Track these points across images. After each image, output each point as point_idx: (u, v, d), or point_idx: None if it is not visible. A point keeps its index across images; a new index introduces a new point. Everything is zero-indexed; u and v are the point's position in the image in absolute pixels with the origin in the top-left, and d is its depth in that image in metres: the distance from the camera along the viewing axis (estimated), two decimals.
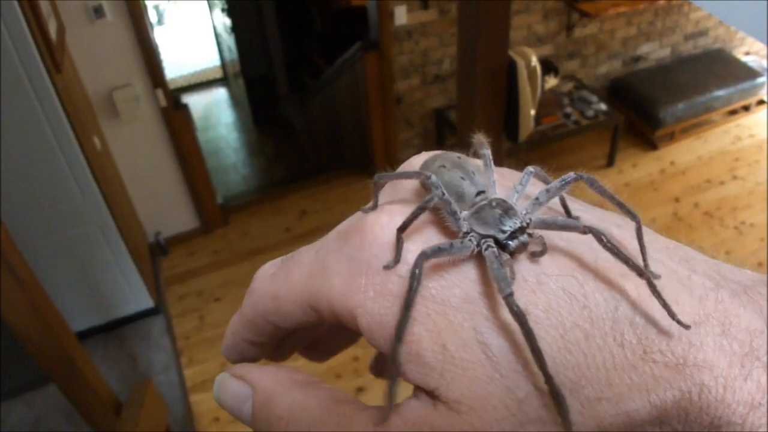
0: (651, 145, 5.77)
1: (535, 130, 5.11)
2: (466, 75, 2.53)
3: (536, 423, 0.30)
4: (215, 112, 7.65)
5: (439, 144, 5.57)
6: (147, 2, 5.25)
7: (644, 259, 0.34)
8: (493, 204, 0.34)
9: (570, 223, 0.34)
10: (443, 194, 0.33)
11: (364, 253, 0.34)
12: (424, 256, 0.30)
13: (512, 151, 4.60)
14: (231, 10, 6.94)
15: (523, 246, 0.32)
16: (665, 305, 0.31)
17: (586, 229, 0.33)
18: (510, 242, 0.32)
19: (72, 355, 2.45)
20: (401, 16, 4.76)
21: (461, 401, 0.30)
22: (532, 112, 3.38)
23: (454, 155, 0.38)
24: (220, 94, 8.03)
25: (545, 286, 0.32)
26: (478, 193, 0.35)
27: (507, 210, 0.34)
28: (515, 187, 0.38)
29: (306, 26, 7.07)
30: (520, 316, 0.29)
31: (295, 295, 0.36)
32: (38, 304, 2.26)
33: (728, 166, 5.61)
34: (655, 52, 6.12)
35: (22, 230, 3.33)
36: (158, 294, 4.53)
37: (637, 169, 5.58)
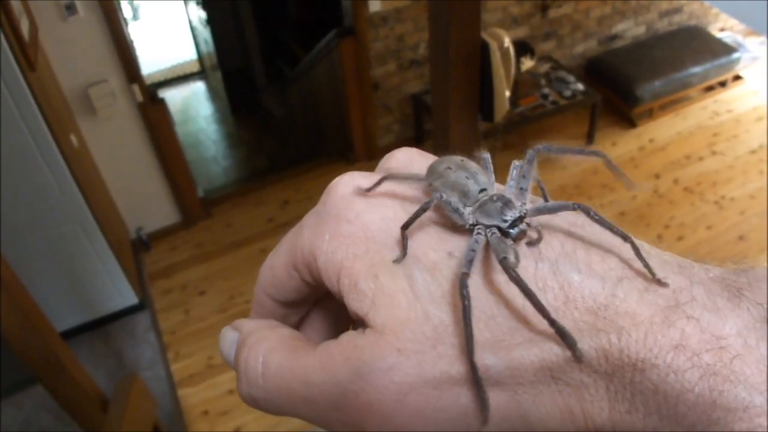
0: (630, 122, 5.79)
1: (514, 111, 5.13)
2: (440, 58, 2.53)
3: (447, 346, 0.33)
4: (194, 105, 7.62)
5: (417, 129, 5.58)
6: None
7: (651, 272, 0.35)
8: (494, 198, 0.38)
9: (561, 205, 0.38)
10: (442, 197, 0.37)
11: (327, 206, 0.39)
12: (465, 276, 0.33)
13: (490, 133, 4.60)
14: (206, 2, 6.91)
15: (523, 233, 0.37)
16: (646, 265, 0.34)
17: (575, 206, 0.37)
18: (512, 230, 0.37)
19: (57, 354, 2.45)
20: (375, 2, 4.75)
21: (385, 324, 0.34)
22: (507, 92, 3.39)
23: (457, 158, 0.41)
24: (198, 87, 8.00)
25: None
26: (481, 191, 0.39)
27: (506, 203, 0.38)
28: (508, 182, 0.42)
29: (282, 14, 7.05)
30: (517, 279, 0.33)
31: (281, 258, 0.41)
32: (21, 304, 2.25)
33: (707, 142, 5.64)
34: (630, 30, 6.13)
35: (1, 231, 3.32)
36: (142, 289, 4.52)
37: (617, 147, 5.60)
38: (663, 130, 5.76)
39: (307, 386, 0.36)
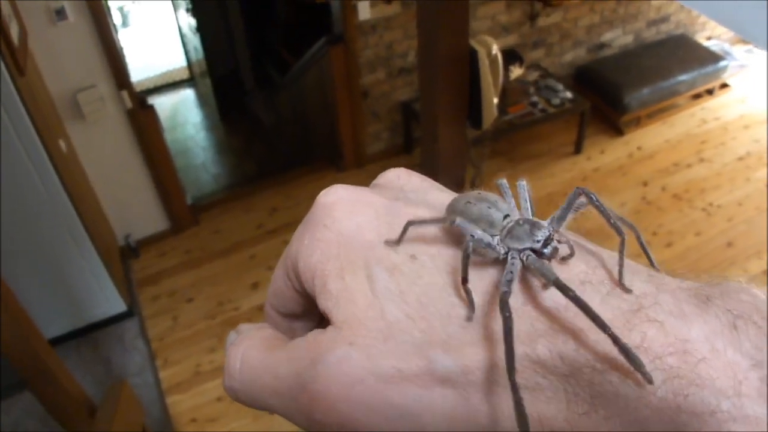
0: (618, 130, 5.82)
1: (503, 119, 5.14)
2: (428, 64, 2.54)
3: (399, 342, 0.34)
4: (183, 112, 7.60)
5: (406, 136, 5.59)
6: (110, 4, 5.22)
7: (620, 274, 0.35)
8: (521, 222, 0.38)
9: (569, 201, 0.39)
10: (473, 236, 0.36)
11: (310, 214, 0.41)
12: (506, 294, 0.33)
13: (479, 140, 4.61)
14: (195, 9, 6.89)
15: (555, 250, 0.36)
16: (621, 268, 0.35)
17: (579, 191, 0.39)
18: (545, 250, 0.36)
19: (45, 361, 2.44)
20: (365, 10, 4.76)
21: (344, 321, 0.36)
22: (495, 99, 3.39)
23: (474, 192, 0.41)
24: (187, 94, 7.97)
25: None
26: (505, 217, 0.39)
27: (534, 224, 0.38)
28: (522, 205, 0.42)
29: (271, 21, 7.04)
30: (575, 298, 0.32)
31: (279, 268, 0.43)
32: (10, 310, 2.25)
33: (695, 149, 5.67)
34: (618, 38, 6.16)
35: None
36: (131, 296, 4.51)
37: (605, 155, 5.63)
38: (651, 137, 5.79)
39: (275, 378, 0.38)
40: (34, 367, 2.42)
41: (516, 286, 0.35)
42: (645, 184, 5.30)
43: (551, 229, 0.37)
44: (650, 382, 0.30)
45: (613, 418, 0.31)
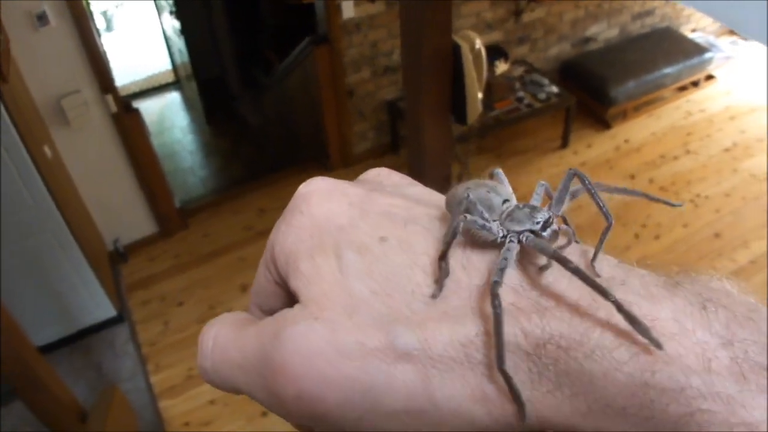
0: (604, 124, 5.83)
1: (489, 115, 5.15)
2: (411, 60, 2.54)
3: (363, 317, 0.34)
4: (169, 115, 7.58)
5: (392, 135, 5.59)
6: (93, 8, 5.19)
7: (595, 255, 0.36)
8: (521, 206, 0.38)
9: (564, 184, 0.40)
10: (466, 218, 0.36)
11: (290, 204, 0.42)
12: (497, 285, 0.33)
13: (465, 136, 4.61)
14: (179, 12, 6.87)
15: (555, 234, 0.37)
16: (596, 253, 0.36)
17: (572, 172, 0.39)
18: (544, 232, 0.36)
19: (34, 369, 2.43)
20: (349, 9, 4.75)
21: (311, 298, 0.36)
22: (480, 94, 3.39)
23: (473, 180, 0.42)
24: (174, 97, 7.95)
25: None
26: (504, 201, 0.39)
27: (533, 208, 0.38)
28: (532, 197, 0.42)
29: (256, 23, 7.03)
30: (576, 270, 0.32)
31: (261, 264, 0.44)
32: None
33: (681, 141, 5.69)
34: (603, 32, 6.17)
35: None
36: (120, 301, 4.49)
37: (592, 148, 5.64)
38: (637, 130, 5.81)
39: (241, 354, 0.38)
40: (24, 376, 2.41)
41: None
42: (632, 177, 5.31)
43: (551, 213, 0.38)
44: (659, 347, 0.30)
45: (578, 395, 0.31)
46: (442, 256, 0.35)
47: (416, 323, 0.33)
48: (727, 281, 0.34)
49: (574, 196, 0.39)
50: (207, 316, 4.36)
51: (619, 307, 0.30)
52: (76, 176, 4.36)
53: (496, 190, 0.40)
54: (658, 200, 0.43)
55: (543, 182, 0.42)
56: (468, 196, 0.38)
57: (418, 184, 0.45)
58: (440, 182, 3.11)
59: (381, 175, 0.46)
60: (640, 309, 0.31)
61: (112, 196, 4.66)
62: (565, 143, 5.63)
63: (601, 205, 0.38)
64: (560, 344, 0.31)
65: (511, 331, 0.32)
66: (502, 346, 0.31)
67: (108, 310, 4.33)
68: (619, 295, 0.31)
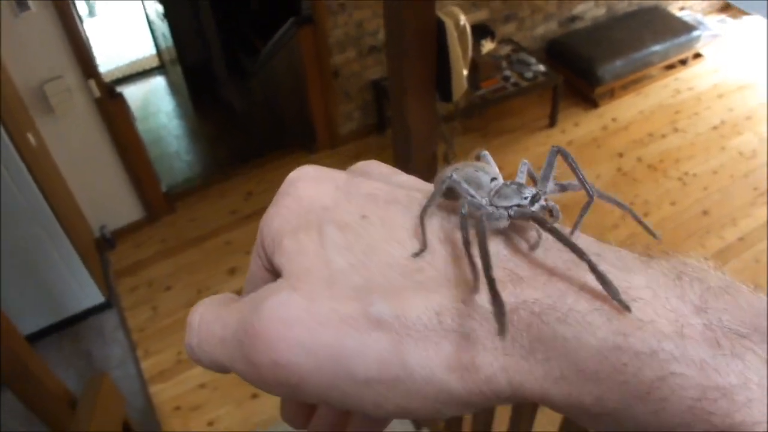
0: (592, 103, 5.83)
1: (476, 94, 5.14)
2: (395, 38, 2.52)
3: (341, 288, 0.35)
4: (154, 100, 7.54)
5: (378, 115, 5.58)
6: None
7: (574, 228, 0.38)
8: (508, 183, 0.39)
9: (549, 161, 0.40)
10: (452, 176, 0.38)
11: (279, 190, 0.43)
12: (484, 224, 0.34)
13: (451, 116, 4.60)
14: None
15: (544, 209, 0.37)
16: (576, 224, 0.37)
17: (555, 149, 0.40)
18: (533, 206, 0.37)
19: (22, 358, 2.42)
20: None
21: (292, 272, 0.37)
22: (465, 71, 3.38)
23: (461, 162, 0.43)
24: (158, 82, 7.92)
25: None
26: (492, 180, 0.40)
27: (521, 185, 0.38)
28: (517, 176, 0.42)
29: (240, 6, 6.99)
30: (550, 228, 0.34)
31: (253, 252, 0.44)
32: None
33: (669, 119, 5.70)
34: (590, 11, 6.16)
35: None
36: (109, 288, 4.48)
37: (580, 127, 5.64)
38: (625, 109, 5.81)
39: (223, 327, 0.38)
40: (12, 365, 2.40)
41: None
42: (620, 155, 5.32)
43: (540, 189, 0.38)
44: (627, 309, 0.30)
45: (551, 360, 0.31)
46: (424, 212, 0.37)
47: (392, 293, 0.34)
48: (704, 260, 0.34)
49: (566, 188, 0.40)
50: (195, 300, 4.25)
51: (592, 267, 0.31)
52: (61, 163, 4.33)
53: (485, 169, 0.41)
54: (640, 222, 0.43)
55: (525, 161, 0.43)
56: (452, 176, 0.39)
57: (405, 174, 0.46)
58: (426, 162, 3.10)
59: (370, 165, 0.46)
60: (614, 278, 0.31)
61: (97, 183, 4.63)
62: (552, 122, 5.62)
63: (583, 179, 0.38)
64: (533, 310, 0.32)
65: (483, 299, 0.33)
66: (487, 256, 0.32)
67: (96, 297, 4.31)
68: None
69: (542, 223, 0.34)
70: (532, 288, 0.32)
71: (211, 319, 0.40)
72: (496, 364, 0.32)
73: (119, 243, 4.85)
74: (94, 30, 7.11)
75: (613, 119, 5.70)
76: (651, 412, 0.29)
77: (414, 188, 0.42)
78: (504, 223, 0.37)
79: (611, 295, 0.30)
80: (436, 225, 0.37)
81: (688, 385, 0.28)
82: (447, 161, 5.06)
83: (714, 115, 5.72)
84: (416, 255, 0.36)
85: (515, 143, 5.44)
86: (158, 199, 4.98)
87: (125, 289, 4.54)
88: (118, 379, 3.79)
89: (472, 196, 0.38)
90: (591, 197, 0.39)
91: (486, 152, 0.44)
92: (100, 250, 4.75)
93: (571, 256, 0.33)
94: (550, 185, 0.40)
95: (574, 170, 0.39)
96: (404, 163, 2.90)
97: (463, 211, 0.36)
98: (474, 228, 0.35)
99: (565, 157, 0.40)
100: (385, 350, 0.33)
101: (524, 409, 2.08)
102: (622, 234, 4.20)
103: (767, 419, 0.27)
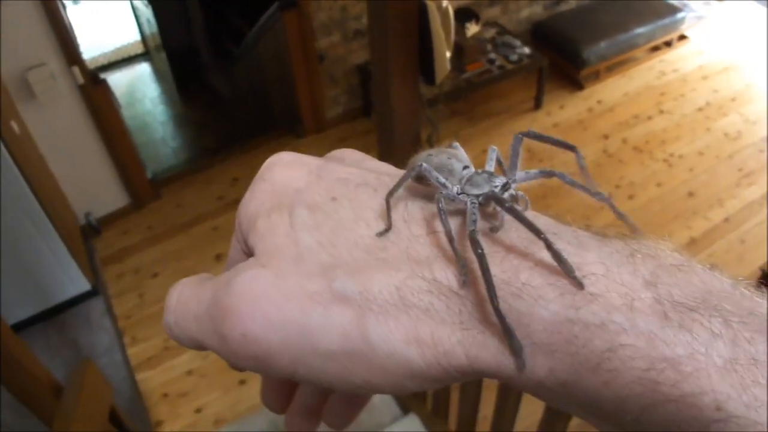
0: (577, 85, 5.84)
1: (461, 77, 5.13)
2: (378, 21, 2.51)
3: (308, 264, 0.37)
4: (140, 87, 7.49)
5: (364, 99, 5.57)
6: None
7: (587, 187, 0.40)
8: (479, 171, 0.40)
9: (538, 173, 0.41)
10: (422, 165, 0.39)
11: (256, 176, 0.45)
12: (474, 233, 0.34)
13: (435, 100, 4.59)
14: None
15: (514, 197, 0.38)
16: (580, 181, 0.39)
17: (520, 135, 0.41)
18: (504, 194, 0.38)
19: (8, 347, 2.41)
20: None
21: (264, 251, 0.39)
22: (448, 53, 3.37)
23: (435, 148, 0.44)
24: (143, 69, 7.86)
25: None
26: (464, 168, 0.41)
27: (492, 174, 0.40)
28: (487, 164, 0.43)
29: None
30: (508, 207, 0.35)
31: (233, 237, 0.46)
32: None
33: (654, 101, 5.72)
34: None
35: None
36: (95, 275, 4.46)
37: (565, 109, 5.65)
38: (610, 91, 5.83)
39: (198, 303, 0.40)
40: None
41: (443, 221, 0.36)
42: (606, 137, 5.33)
43: (510, 178, 0.39)
44: (581, 286, 0.31)
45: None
46: (390, 194, 0.38)
47: (356, 270, 0.35)
48: (662, 240, 0.35)
49: (535, 177, 0.41)
50: None
51: (548, 245, 0.32)
52: (46, 151, 4.30)
53: (457, 157, 0.42)
54: (620, 215, 0.43)
55: (494, 147, 0.44)
56: (421, 164, 0.40)
57: (377, 160, 0.47)
58: (409, 144, 3.10)
59: (344, 152, 0.48)
60: (569, 255, 0.32)
61: (82, 170, 4.61)
62: (538, 105, 5.63)
63: (556, 140, 0.40)
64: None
65: (442, 275, 0.34)
66: (492, 286, 0.32)
67: (82, 285, 4.30)
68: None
69: (501, 203, 0.35)
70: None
71: (187, 297, 0.41)
72: (454, 337, 0.33)
73: (105, 230, 4.84)
74: (78, 17, 7.06)
75: (599, 101, 5.71)
76: (602, 383, 0.30)
77: (384, 173, 0.43)
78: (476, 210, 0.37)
79: (566, 271, 0.31)
80: (401, 206, 0.39)
81: (637, 356, 0.29)
82: (431, 144, 5.07)
83: (699, 96, 5.74)
84: (381, 234, 0.37)
85: (501, 126, 5.44)
86: (144, 185, 4.96)
87: (111, 277, 4.53)
88: (105, 366, 3.79)
89: (443, 184, 0.39)
90: (577, 153, 0.40)
91: (457, 143, 0.45)
92: (85, 237, 4.73)
93: (529, 235, 0.34)
94: (520, 174, 0.40)
95: (543, 140, 0.40)
96: (388, 146, 2.90)
97: (441, 205, 0.37)
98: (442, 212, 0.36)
99: (530, 135, 0.41)
100: (348, 324, 0.34)
101: (511, 392, 2.09)
102: (609, 215, 4.20)
103: (712, 389, 0.28)
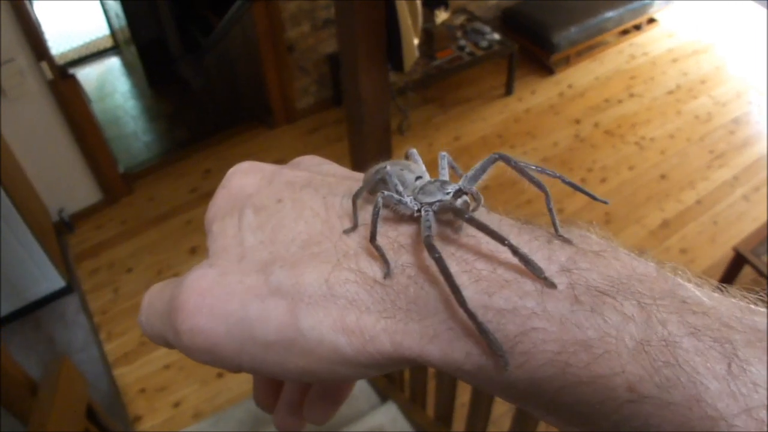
0: (548, 70, 5.85)
1: (432, 65, 5.13)
2: (344, 7, 2.51)
3: (249, 262, 0.40)
4: (110, 81, 7.43)
5: (335, 89, 5.55)
6: None
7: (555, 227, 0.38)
8: (432, 181, 0.42)
9: (485, 163, 0.42)
10: (384, 193, 0.40)
11: (220, 183, 0.49)
12: (429, 238, 0.35)
13: (406, 87, 4.58)
14: None
15: (467, 204, 0.39)
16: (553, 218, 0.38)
17: (497, 156, 0.41)
18: (457, 201, 0.39)
19: None
20: None
21: (214, 252, 0.43)
22: (416, 40, 3.37)
23: (390, 160, 0.45)
24: (113, 63, 7.79)
25: None
26: (417, 178, 0.43)
27: (445, 182, 0.41)
28: (439, 172, 0.46)
29: None
30: (468, 218, 0.36)
31: None
32: None
33: (625, 85, 5.74)
34: None
35: None
36: (69, 272, 4.43)
37: (536, 95, 5.66)
38: (581, 75, 5.85)
39: (160, 301, 0.42)
40: None
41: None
42: (577, 121, 5.35)
43: (463, 185, 0.40)
44: (552, 286, 0.32)
45: (425, 319, 0.34)
46: (372, 238, 0.38)
47: (291, 264, 0.38)
48: (591, 227, 0.37)
49: (490, 162, 0.42)
50: (156, 281, 4.26)
51: (514, 251, 0.33)
52: (16, 148, 4.26)
53: (410, 168, 0.44)
54: (585, 192, 0.44)
55: (444, 154, 0.46)
56: (386, 167, 0.43)
57: (333, 164, 0.50)
58: (379, 133, 3.10)
59: (304, 158, 0.51)
60: (487, 243, 0.35)
61: (54, 166, 4.57)
62: (509, 90, 5.64)
63: (533, 179, 0.40)
64: (409, 274, 0.36)
65: (367, 266, 0.37)
66: (456, 288, 0.32)
67: (56, 282, 4.27)
68: (470, 231, 0.36)
69: (460, 214, 0.36)
70: (409, 254, 0.37)
71: (154, 297, 0.44)
72: (378, 325, 0.35)
73: (78, 226, 4.80)
74: (46, 12, 6.98)
75: (570, 86, 5.74)
76: (516, 366, 0.32)
77: (332, 174, 0.47)
78: (432, 217, 0.39)
79: (536, 273, 0.33)
80: (337, 204, 0.42)
81: (549, 339, 0.31)
82: (401, 132, 5.06)
83: (669, 79, 5.78)
84: (347, 232, 0.40)
85: (473, 112, 5.45)
86: (116, 180, 4.92)
87: (86, 273, 4.50)
88: (82, 362, 3.77)
89: (399, 192, 0.41)
90: (545, 192, 0.40)
91: (414, 150, 0.48)
92: (59, 234, 4.70)
93: (450, 225, 0.38)
94: (471, 180, 0.42)
95: (522, 173, 0.40)
96: (358, 135, 2.90)
97: (378, 205, 0.39)
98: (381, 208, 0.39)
99: (509, 163, 0.41)
100: (282, 315, 0.37)
101: None
102: (582, 199, 4.24)
103: (623, 370, 0.29)
